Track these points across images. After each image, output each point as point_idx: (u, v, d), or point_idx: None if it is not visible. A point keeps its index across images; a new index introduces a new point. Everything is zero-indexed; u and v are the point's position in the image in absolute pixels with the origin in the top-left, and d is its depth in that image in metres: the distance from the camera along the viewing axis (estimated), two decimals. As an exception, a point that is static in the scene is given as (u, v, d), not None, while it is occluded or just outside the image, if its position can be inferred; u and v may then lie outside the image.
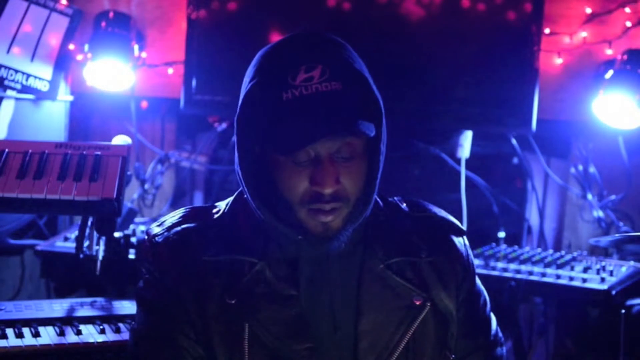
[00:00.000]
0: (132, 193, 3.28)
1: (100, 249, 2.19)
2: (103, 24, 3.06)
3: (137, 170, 3.24)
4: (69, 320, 1.96)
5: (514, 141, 3.15)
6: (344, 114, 1.37)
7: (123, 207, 2.03)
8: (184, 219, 1.54)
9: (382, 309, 1.48)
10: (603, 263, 2.73)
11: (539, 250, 2.97)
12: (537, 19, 2.92)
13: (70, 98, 3.10)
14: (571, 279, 2.63)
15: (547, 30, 3.01)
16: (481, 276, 1.67)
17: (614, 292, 2.53)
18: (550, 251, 2.95)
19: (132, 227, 2.81)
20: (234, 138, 1.47)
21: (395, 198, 1.62)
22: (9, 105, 2.91)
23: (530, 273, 2.68)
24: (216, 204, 1.59)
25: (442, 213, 1.63)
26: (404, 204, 1.61)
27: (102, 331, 1.91)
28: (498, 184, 3.26)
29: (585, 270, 2.68)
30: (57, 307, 2.04)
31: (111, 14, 3.09)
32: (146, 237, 1.55)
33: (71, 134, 3.14)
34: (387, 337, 1.47)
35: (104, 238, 2.19)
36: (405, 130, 3.11)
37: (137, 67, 3.12)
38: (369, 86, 1.42)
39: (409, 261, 1.53)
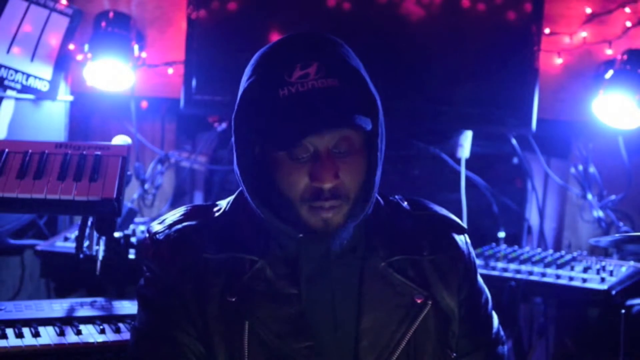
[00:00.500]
0: (132, 193, 3.28)
1: (100, 249, 2.19)
2: (103, 24, 3.05)
3: (137, 170, 3.24)
4: (69, 320, 1.96)
5: (514, 141, 3.15)
6: (340, 108, 1.38)
7: (123, 207, 2.03)
8: (185, 216, 1.54)
9: (383, 308, 1.48)
10: (603, 263, 2.73)
11: (539, 250, 2.97)
12: (537, 19, 2.92)
13: (70, 98, 3.10)
14: (571, 279, 2.63)
15: (547, 30, 3.01)
16: (481, 276, 1.67)
17: (614, 292, 2.53)
18: (550, 251, 2.95)
19: (132, 227, 2.81)
20: (233, 137, 1.47)
21: (396, 197, 1.63)
22: (9, 105, 2.91)
23: (530, 273, 2.68)
24: (217, 202, 1.59)
25: (443, 211, 1.64)
26: (405, 203, 1.61)
27: (102, 331, 1.91)
28: (498, 184, 3.26)
29: (585, 270, 2.68)
30: (57, 307, 2.04)
31: (111, 14, 3.08)
32: (147, 234, 1.55)
33: (71, 134, 3.13)
34: (388, 335, 1.47)
35: (104, 238, 2.18)
36: (405, 130, 3.11)
37: (137, 67, 3.12)
38: (365, 83, 1.43)
39: (411, 259, 1.53)
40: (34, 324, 1.91)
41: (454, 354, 1.54)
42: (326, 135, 1.39)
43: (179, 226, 1.52)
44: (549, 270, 2.69)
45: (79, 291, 2.87)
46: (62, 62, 3.01)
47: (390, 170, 3.18)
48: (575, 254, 2.89)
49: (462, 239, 1.61)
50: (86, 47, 3.02)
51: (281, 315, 1.44)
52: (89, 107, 3.28)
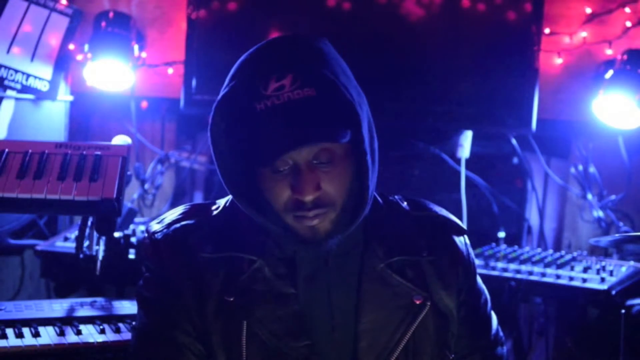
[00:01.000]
0: (132, 193, 3.28)
1: (100, 249, 2.19)
2: (103, 24, 3.05)
3: (137, 170, 3.24)
4: (69, 320, 1.96)
5: (514, 141, 3.15)
6: (316, 121, 1.36)
7: (123, 207, 2.03)
8: (183, 216, 1.54)
9: (382, 309, 1.48)
10: (603, 263, 2.73)
11: (539, 250, 2.97)
12: (537, 19, 2.92)
13: (70, 98, 3.10)
14: (571, 279, 2.63)
15: (547, 30, 3.01)
16: (481, 276, 1.67)
17: (614, 292, 2.53)
18: (550, 251, 2.95)
19: (132, 227, 2.81)
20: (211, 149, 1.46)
21: (396, 197, 1.62)
22: (9, 105, 2.91)
23: (530, 273, 2.68)
24: (216, 201, 1.59)
25: (443, 212, 1.63)
26: (405, 203, 1.61)
27: (102, 331, 1.91)
28: (498, 184, 3.26)
29: (585, 270, 2.68)
30: (57, 307, 2.04)
31: (111, 14, 3.08)
32: (146, 234, 1.55)
33: (71, 134, 3.13)
34: (387, 336, 1.47)
35: (104, 238, 2.18)
36: (405, 130, 3.11)
37: (137, 67, 3.12)
38: (341, 91, 1.40)
39: (410, 260, 1.53)
40: (34, 324, 1.92)
41: (453, 355, 1.54)
42: (304, 150, 1.38)
43: (178, 225, 1.52)
44: (549, 270, 2.69)
45: (79, 291, 2.87)
46: (62, 62, 3.01)
47: (391, 170, 3.18)
48: (575, 254, 2.89)
49: (461, 240, 1.61)
50: (86, 47, 3.02)
51: (279, 314, 1.45)
52: (89, 107, 3.28)
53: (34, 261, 3.00)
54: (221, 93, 1.44)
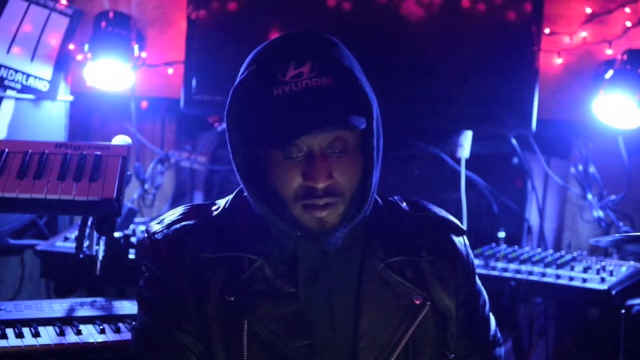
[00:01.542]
0: (132, 193, 3.28)
1: (100, 249, 2.19)
2: (103, 24, 3.05)
3: (137, 170, 3.24)
4: (69, 320, 1.96)
5: (514, 141, 3.15)
6: (334, 108, 1.38)
7: (123, 207, 2.03)
8: (183, 216, 1.54)
9: (381, 309, 1.48)
10: (603, 263, 2.73)
11: (539, 250, 2.97)
12: (537, 19, 2.92)
13: (70, 98, 3.10)
14: (571, 279, 2.63)
15: (547, 30, 3.01)
16: (481, 276, 1.67)
17: (614, 292, 2.52)
18: (550, 251, 2.95)
19: (132, 227, 2.81)
20: (226, 134, 1.47)
21: (395, 197, 1.63)
22: (9, 105, 2.91)
23: (530, 273, 2.68)
24: (216, 201, 1.59)
25: (442, 212, 1.64)
26: (404, 203, 1.61)
27: (102, 331, 1.91)
28: (498, 184, 3.26)
29: (585, 270, 2.68)
30: (57, 307, 2.04)
31: (111, 14, 3.08)
32: (146, 234, 1.55)
33: (71, 134, 3.13)
34: (386, 336, 1.47)
35: (104, 238, 2.19)
36: (405, 130, 3.11)
37: (137, 67, 3.12)
38: (359, 82, 1.42)
39: (409, 260, 1.53)
40: (34, 324, 1.92)
41: (452, 355, 1.54)
42: (319, 136, 1.39)
43: (177, 226, 1.52)
44: (549, 270, 2.69)
45: (79, 291, 2.87)
46: (62, 62, 3.01)
47: (391, 170, 3.18)
48: (575, 254, 2.89)
49: (460, 241, 1.61)
50: (86, 47, 3.02)
51: (279, 314, 1.45)
52: (89, 107, 3.28)
53: (34, 261, 3.00)
54: (238, 78, 1.45)
